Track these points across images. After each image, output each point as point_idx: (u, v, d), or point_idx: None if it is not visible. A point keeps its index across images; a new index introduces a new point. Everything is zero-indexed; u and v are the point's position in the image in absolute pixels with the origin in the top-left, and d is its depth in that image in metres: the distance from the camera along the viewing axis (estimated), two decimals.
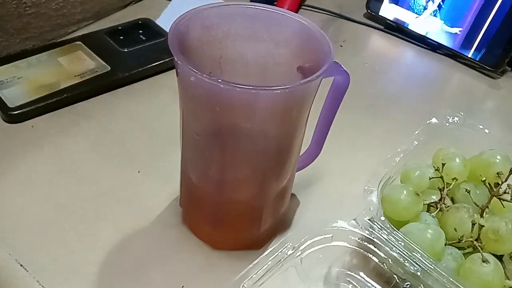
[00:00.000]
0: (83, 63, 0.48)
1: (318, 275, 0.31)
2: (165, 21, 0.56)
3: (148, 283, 0.33)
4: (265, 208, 0.34)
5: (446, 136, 0.37)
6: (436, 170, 0.35)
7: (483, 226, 0.30)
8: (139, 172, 0.40)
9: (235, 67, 0.33)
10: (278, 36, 0.32)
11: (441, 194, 0.34)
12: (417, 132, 0.36)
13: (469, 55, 0.57)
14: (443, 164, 0.35)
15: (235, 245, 0.35)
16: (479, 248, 0.30)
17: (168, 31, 0.28)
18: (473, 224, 0.30)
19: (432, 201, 0.34)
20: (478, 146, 0.35)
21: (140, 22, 0.55)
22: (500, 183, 0.32)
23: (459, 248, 0.31)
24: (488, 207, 0.32)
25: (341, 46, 0.58)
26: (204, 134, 0.29)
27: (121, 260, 0.34)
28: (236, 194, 0.33)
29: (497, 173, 0.33)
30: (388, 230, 0.30)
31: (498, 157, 0.33)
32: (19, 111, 0.42)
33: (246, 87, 0.24)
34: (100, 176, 0.39)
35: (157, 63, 0.50)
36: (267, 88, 0.25)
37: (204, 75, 0.25)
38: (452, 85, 0.57)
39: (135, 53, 0.50)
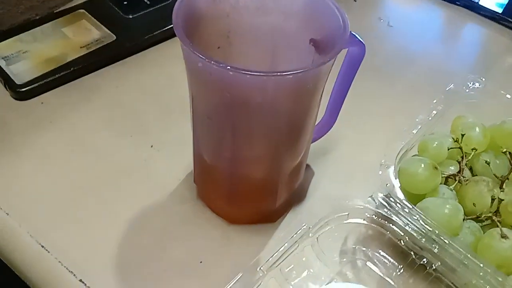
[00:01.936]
0: (88, 33, 0.47)
1: (334, 253, 0.31)
2: None
3: (166, 258, 0.34)
4: (280, 184, 0.33)
5: (466, 103, 0.36)
6: (455, 141, 0.34)
7: (502, 200, 0.30)
8: (152, 146, 0.40)
9: (244, 41, 0.32)
10: (287, 8, 0.30)
11: (460, 166, 0.33)
12: (435, 101, 0.35)
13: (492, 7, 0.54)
14: (462, 135, 0.34)
15: (251, 219, 0.36)
16: (498, 223, 0.29)
17: None
18: (493, 199, 0.30)
19: (450, 173, 0.33)
20: (499, 114, 0.34)
21: None
22: None
23: (478, 221, 0.31)
24: (508, 179, 0.32)
25: (355, 1, 0.55)
26: (215, 116, 0.29)
27: (139, 236, 0.35)
28: (250, 171, 0.33)
29: None
30: (405, 207, 0.29)
31: None
32: (27, 88, 0.42)
33: (256, 74, 0.23)
34: (114, 152, 0.39)
35: (164, 29, 0.48)
36: (278, 74, 0.24)
37: (213, 62, 0.24)
38: (472, 40, 0.54)
39: (141, 19, 0.49)
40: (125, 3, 0.50)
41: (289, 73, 0.24)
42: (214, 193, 0.35)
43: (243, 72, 0.23)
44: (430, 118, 0.34)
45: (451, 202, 0.30)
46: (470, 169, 0.34)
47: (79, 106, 0.42)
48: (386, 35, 0.53)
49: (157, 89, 0.45)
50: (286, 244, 0.28)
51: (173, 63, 0.46)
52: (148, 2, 0.50)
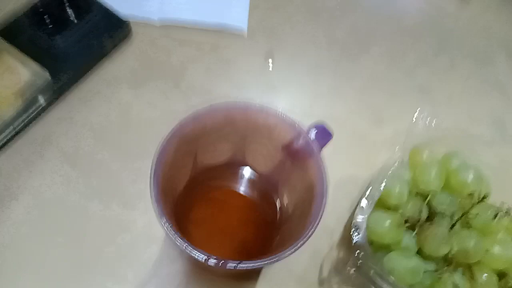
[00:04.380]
0: (16, 75, 0.41)
1: None
2: None
3: None
4: None
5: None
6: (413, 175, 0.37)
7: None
8: (123, 207, 0.39)
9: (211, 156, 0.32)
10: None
11: (420, 210, 0.36)
12: (397, 148, 0.37)
13: None
14: (420, 173, 0.37)
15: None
16: (450, 273, 0.34)
17: None
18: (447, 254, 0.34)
19: (411, 217, 0.36)
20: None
21: None
22: (472, 205, 0.35)
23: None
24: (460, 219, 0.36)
25: None
26: None
27: None
28: None
29: (469, 194, 0.35)
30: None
31: (471, 176, 0.35)
32: None
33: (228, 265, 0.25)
34: (83, 216, 0.39)
35: (101, 50, 0.43)
36: (247, 262, 0.26)
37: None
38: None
39: (71, 43, 0.43)
40: (47, 22, 0.44)
41: (260, 262, 0.25)
42: None
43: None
44: (390, 171, 0.36)
45: (413, 261, 0.34)
46: (428, 205, 0.37)
47: (33, 165, 0.40)
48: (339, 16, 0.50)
49: (110, 124, 0.42)
50: None
51: (119, 88, 0.43)
52: (74, 16, 0.44)
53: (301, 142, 0.32)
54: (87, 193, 0.39)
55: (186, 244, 0.27)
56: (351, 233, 0.35)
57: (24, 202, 0.38)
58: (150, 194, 0.28)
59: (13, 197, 0.38)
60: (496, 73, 0.49)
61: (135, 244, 0.38)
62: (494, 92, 0.48)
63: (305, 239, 0.27)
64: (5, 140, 0.40)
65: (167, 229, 0.27)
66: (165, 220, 0.27)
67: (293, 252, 0.27)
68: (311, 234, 0.28)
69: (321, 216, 0.28)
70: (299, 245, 0.27)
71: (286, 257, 0.27)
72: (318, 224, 0.28)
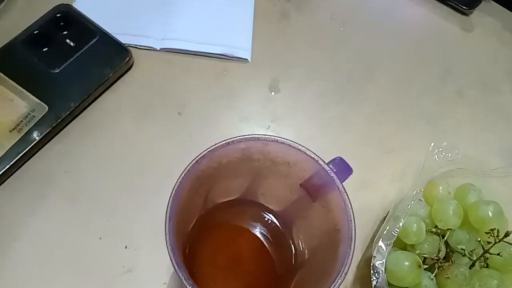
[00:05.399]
0: (13, 106, 0.39)
1: None
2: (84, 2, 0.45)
3: None
4: None
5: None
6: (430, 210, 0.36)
7: None
8: (126, 247, 0.38)
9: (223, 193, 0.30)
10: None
11: (438, 248, 0.35)
12: (411, 183, 0.36)
13: None
14: (437, 211, 0.36)
15: None
16: None
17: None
18: None
19: (428, 255, 0.35)
20: None
21: (58, 15, 0.43)
22: (493, 241, 0.34)
23: None
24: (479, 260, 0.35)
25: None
26: None
27: None
28: None
29: (490, 230, 0.34)
30: None
31: (491, 212, 0.34)
32: None
33: None
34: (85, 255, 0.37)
35: (102, 80, 0.41)
36: None
37: None
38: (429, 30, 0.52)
39: (70, 72, 0.41)
40: (44, 50, 0.42)
41: None
42: None
43: None
44: (409, 205, 0.35)
45: None
46: (446, 243, 0.36)
47: (33, 205, 0.38)
48: (341, 38, 0.49)
49: (112, 157, 0.40)
50: None
51: (121, 119, 0.42)
52: (73, 44, 0.42)
53: (323, 177, 0.30)
54: (89, 231, 0.37)
55: None
56: (369, 273, 0.34)
57: (24, 242, 0.36)
58: (166, 243, 0.26)
59: (9, 237, 0.36)
60: (502, 103, 0.49)
61: (140, 284, 0.36)
62: (500, 122, 0.47)
63: (336, 286, 0.26)
64: (5, 175, 0.37)
65: (183, 277, 0.25)
66: (184, 274, 0.25)
67: None
68: (341, 281, 0.26)
69: (351, 262, 0.27)
70: None
71: None
72: (347, 270, 0.26)
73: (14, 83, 0.40)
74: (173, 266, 0.26)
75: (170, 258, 0.26)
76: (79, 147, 0.40)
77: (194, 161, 0.29)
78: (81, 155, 0.40)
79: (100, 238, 0.37)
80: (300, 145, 0.30)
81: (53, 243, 0.37)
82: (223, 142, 0.30)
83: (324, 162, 0.30)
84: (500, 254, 0.34)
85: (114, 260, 0.37)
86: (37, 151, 0.39)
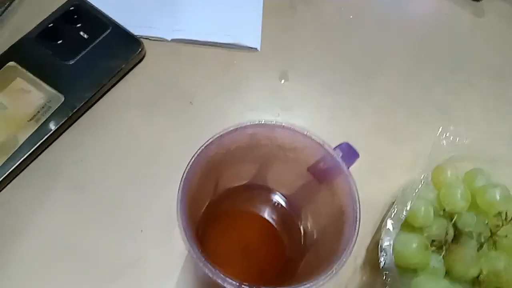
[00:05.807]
0: (30, 98, 0.41)
1: None
2: None
3: None
4: None
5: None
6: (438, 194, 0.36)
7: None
8: (142, 231, 0.39)
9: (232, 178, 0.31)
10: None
11: (446, 231, 0.35)
12: (419, 167, 0.36)
13: None
14: (445, 194, 0.36)
15: None
16: None
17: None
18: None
19: (437, 237, 0.36)
20: None
21: (72, 8, 0.44)
22: (501, 224, 0.34)
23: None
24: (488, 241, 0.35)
25: None
26: None
27: None
28: None
29: (496, 214, 0.34)
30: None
31: (498, 195, 0.35)
32: None
33: None
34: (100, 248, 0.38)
35: (115, 71, 0.43)
36: None
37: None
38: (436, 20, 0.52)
39: (84, 64, 0.43)
40: (59, 43, 0.43)
41: None
42: None
43: None
44: (417, 189, 0.35)
45: (442, 284, 0.33)
46: (454, 225, 0.37)
47: (44, 197, 0.39)
48: (348, 29, 0.50)
49: (122, 147, 0.41)
50: None
51: (131, 110, 0.43)
52: (86, 36, 0.44)
53: (329, 162, 0.31)
54: (97, 223, 0.38)
55: (217, 271, 0.26)
56: (378, 256, 0.35)
57: (32, 235, 0.37)
58: (178, 224, 0.27)
59: (21, 231, 0.37)
60: None
61: (148, 277, 0.37)
62: (511, 111, 0.47)
63: (340, 265, 0.27)
64: (18, 164, 0.39)
65: (197, 257, 0.26)
66: (195, 247, 0.26)
67: (330, 278, 0.26)
68: (346, 260, 0.27)
69: (355, 241, 0.27)
70: (335, 271, 0.26)
71: (322, 284, 0.26)
72: (352, 249, 0.27)
73: (31, 75, 0.41)
74: (185, 242, 0.26)
75: (182, 236, 0.27)
76: (90, 138, 0.41)
77: (204, 146, 0.30)
78: (93, 145, 0.41)
79: (110, 228, 0.38)
80: (306, 130, 0.31)
81: (62, 234, 0.38)
82: (231, 128, 0.30)
83: (330, 147, 0.31)
84: (508, 236, 0.34)
85: (123, 250, 0.37)
86: (52, 142, 0.41)
